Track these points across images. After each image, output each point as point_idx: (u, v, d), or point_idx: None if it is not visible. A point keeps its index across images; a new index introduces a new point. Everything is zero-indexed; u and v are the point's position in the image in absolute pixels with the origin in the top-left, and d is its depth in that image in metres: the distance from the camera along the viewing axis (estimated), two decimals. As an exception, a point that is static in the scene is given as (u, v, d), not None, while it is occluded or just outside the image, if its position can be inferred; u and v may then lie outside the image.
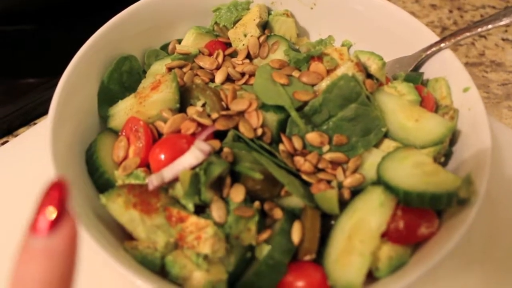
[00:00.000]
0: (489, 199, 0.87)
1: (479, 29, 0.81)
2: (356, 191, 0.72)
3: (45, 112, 0.74)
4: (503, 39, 1.23)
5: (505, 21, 0.78)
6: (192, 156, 0.67)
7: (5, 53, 1.18)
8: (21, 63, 1.18)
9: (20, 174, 0.90)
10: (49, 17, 1.24)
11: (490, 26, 0.80)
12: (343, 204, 0.70)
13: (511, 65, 1.18)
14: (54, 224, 0.40)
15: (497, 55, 1.20)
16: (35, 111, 1.08)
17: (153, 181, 0.68)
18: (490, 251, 0.82)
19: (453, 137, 0.79)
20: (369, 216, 0.66)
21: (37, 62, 1.17)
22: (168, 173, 0.68)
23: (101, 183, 0.75)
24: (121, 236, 0.71)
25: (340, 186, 0.72)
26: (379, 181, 0.69)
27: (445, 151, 0.76)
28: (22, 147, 0.96)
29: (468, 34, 0.82)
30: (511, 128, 1.05)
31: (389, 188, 0.67)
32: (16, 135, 1.05)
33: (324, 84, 0.78)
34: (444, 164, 0.77)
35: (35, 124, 1.07)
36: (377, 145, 0.76)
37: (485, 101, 1.12)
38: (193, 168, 0.68)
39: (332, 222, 0.70)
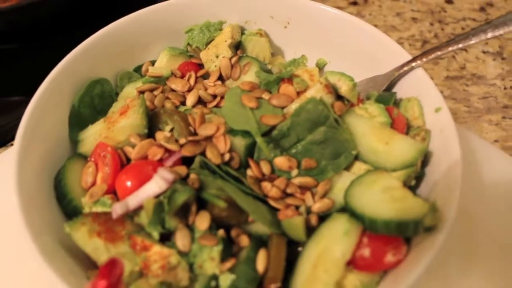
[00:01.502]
0: (467, 216, 0.86)
1: (450, 48, 0.80)
2: (325, 216, 0.71)
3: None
4: (483, 52, 1.23)
5: (474, 40, 0.77)
6: (155, 185, 0.67)
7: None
8: (2, 81, 1.18)
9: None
10: (32, 36, 1.24)
11: (460, 45, 0.79)
12: (311, 230, 0.69)
13: (492, 77, 1.18)
14: None
15: (478, 68, 1.20)
16: (13, 131, 1.06)
17: (117, 209, 0.67)
18: (468, 269, 0.81)
19: (425, 159, 0.78)
20: (333, 244, 0.65)
21: (19, 80, 1.17)
22: (133, 201, 0.68)
23: (69, 210, 0.75)
24: (88, 265, 0.71)
25: (308, 211, 0.71)
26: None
27: (416, 173, 0.75)
28: (-2, 168, 0.96)
29: (439, 53, 0.81)
30: (491, 143, 1.04)
31: (355, 215, 0.66)
32: (-7, 156, 1.04)
33: (293, 107, 0.77)
34: (416, 187, 0.77)
35: (12, 145, 1.07)
36: (348, 168, 0.75)
37: (466, 115, 1.11)
38: (158, 196, 0.67)
39: (300, 248, 0.69)
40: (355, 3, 1.36)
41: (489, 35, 0.75)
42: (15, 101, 1.13)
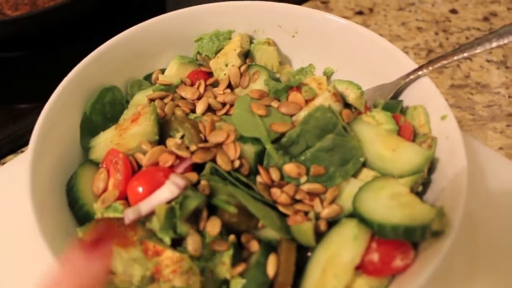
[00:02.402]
0: (472, 222, 0.87)
1: (455, 57, 0.82)
2: (334, 222, 0.72)
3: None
4: (488, 61, 1.24)
5: (479, 49, 0.79)
6: (167, 191, 0.68)
7: (-2, 79, 1.21)
8: (12, 89, 1.20)
9: (6, 202, 0.91)
10: (43, 43, 1.27)
11: (465, 54, 0.80)
12: (320, 235, 0.70)
13: (496, 86, 1.19)
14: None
15: (482, 77, 1.21)
16: (24, 138, 1.09)
17: (129, 215, 0.69)
18: (473, 276, 0.82)
19: (432, 165, 0.79)
20: (343, 249, 0.66)
21: (29, 88, 1.19)
22: (144, 207, 0.69)
23: (81, 215, 0.76)
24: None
25: (317, 217, 0.72)
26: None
27: (423, 180, 0.76)
28: (8, 175, 0.97)
29: (445, 61, 0.82)
30: (496, 150, 1.05)
31: (364, 221, 0.67)
32: (4, 163, 1.06)
33: (302, 114, 0.79)
34: (422, 193, 0.78)
35: (22, 152, 1.08)
36: (355, 175, 0.77)
37: (471, 123, 1.12)
38: (169, 202, 0.68)
39: (309, 253, 0.70)
40: (360, 13, 1.38)
41: (494, 44, 0.77)
42: (24, 109, 1.15)
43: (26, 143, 1.08)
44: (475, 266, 0.83)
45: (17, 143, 1.09)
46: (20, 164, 0.99)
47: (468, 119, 1.13)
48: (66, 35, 1.26)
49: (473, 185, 0.91)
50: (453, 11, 1.38)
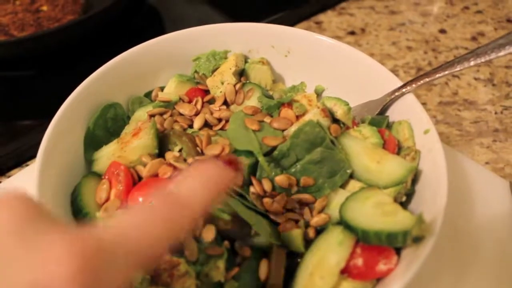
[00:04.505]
0: (457, 236, 0.91)
1: (438, 75, 0.86)
2: (322, 229, 0.76)
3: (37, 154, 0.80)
4: (475, 79, 1.29)
5: (459, 67, 0.84)
6: (166, 199, 0.72)
7: (2, 96, 1.26)
8: (18, 106, 1.24)
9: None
10: (46, 63, 1.32)
11: (446, 72, 0.85)
12: (309, 242, 0.75)
13: (483, 103, 1.24)
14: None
15: (470, 94, 1.26)
16: (28, 153, 1.13)
17: (130, 222, 0.73)
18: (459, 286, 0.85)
19: (416, 177, 0.83)
20: (329, 254, 0.71)
21: (34, 105, 1.24)
22: (144, 215, 0.73)
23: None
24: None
25: (307, 225, 0.77)
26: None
27: (406, 190, 0.81)
28: (14, 186, 1.01)
29: (427, 79, 0.87)
30: (482, 165, 1.09)
31: (349, 227, 0.72)
32: (9, 176, 1.10)
33: (293, 129, 0.84)
34: (406, 203, 0.82)
35: (27, 165, 1.12)
36: (343, 186, 0.81)
37: (458, 139, 1.17)
38: (167, 210, 0.73)
39: (298, 259, 0.74)
40: (353, 33, 1.43)
41: (472, 63, 0.82)
42: (27, 125, 1.19)
43: (30, 158, 1.13)
44: (461, 278, 0.86)
45: (22, 158, 1.13)
46: (25, 176, 1.04)
47: (455, 135, 1.18)
48: (69, 56, 1.30)
49: (460, 199, 0.95)
50: (442, 31, 1.44)
